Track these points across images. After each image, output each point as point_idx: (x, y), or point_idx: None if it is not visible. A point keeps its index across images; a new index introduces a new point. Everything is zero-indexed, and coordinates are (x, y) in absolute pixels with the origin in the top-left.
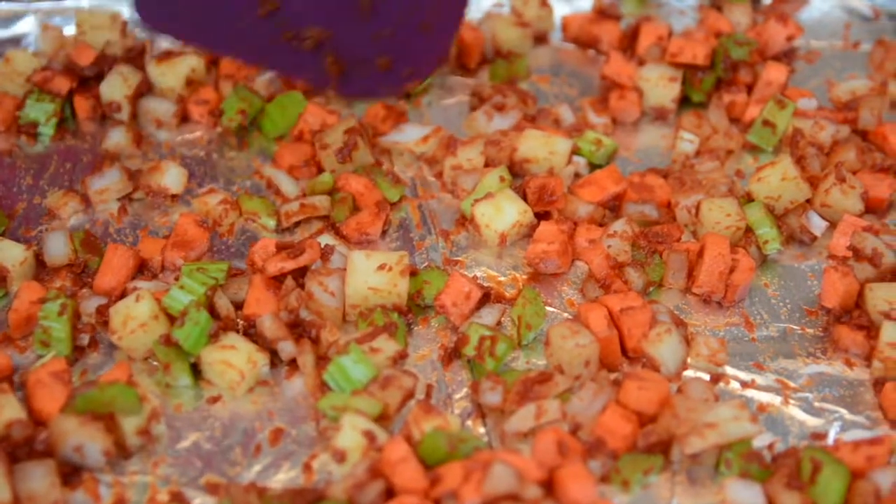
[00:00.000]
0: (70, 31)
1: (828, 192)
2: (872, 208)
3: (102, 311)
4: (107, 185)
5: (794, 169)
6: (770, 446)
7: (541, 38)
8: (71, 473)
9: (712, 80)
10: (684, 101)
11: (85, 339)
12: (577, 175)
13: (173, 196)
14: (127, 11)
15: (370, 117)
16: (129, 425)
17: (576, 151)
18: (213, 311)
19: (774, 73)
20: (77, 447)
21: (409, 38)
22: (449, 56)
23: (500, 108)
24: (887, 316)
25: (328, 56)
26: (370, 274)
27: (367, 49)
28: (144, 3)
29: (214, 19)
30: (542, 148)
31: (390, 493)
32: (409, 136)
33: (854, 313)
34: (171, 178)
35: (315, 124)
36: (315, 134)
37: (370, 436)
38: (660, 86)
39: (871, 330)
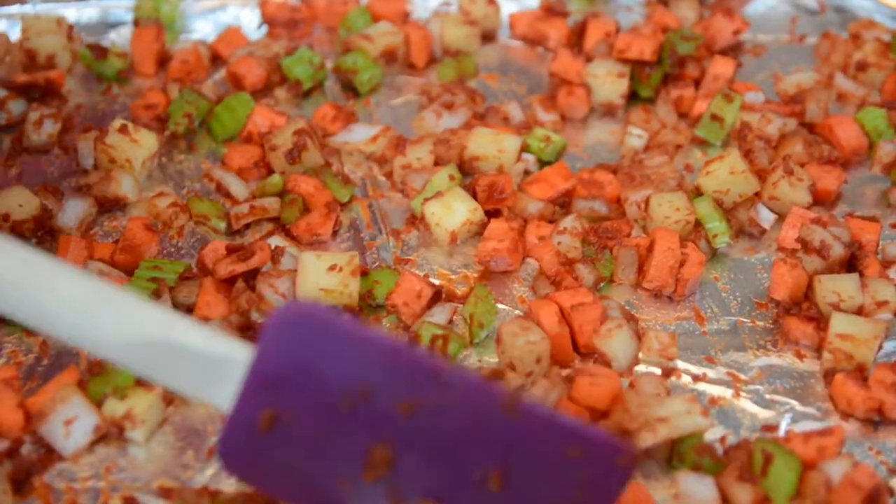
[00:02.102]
0: (16, 35)
1: (776, 185)
2: (820, 200)
3: None
4: (80, 215)
5: (742, 162)
6: (722, 439)
7: (488, 37)
8: (22, 481)
9: (660, 75)
10: (632, 97)
11: None
12: (526, 172)
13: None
14: (72, 15)
15: (319, 118)
16: (118, 409)
17: (525, 149)
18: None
19: (721, 68)
20: (69, 420)
21: None
22: None
23: (449, 107)
24: (836, 307)
25: None
26: (321, 275)
27: None
28: (228, 449)
29: (309, 477)
30: (491, 146)
31: None
32: (359, 136)
33: (803, 305)
34: (127, 187)
35: (264, 126)
36: (264, 135)
37: None
38: (608, 82)
39: (820, 322)
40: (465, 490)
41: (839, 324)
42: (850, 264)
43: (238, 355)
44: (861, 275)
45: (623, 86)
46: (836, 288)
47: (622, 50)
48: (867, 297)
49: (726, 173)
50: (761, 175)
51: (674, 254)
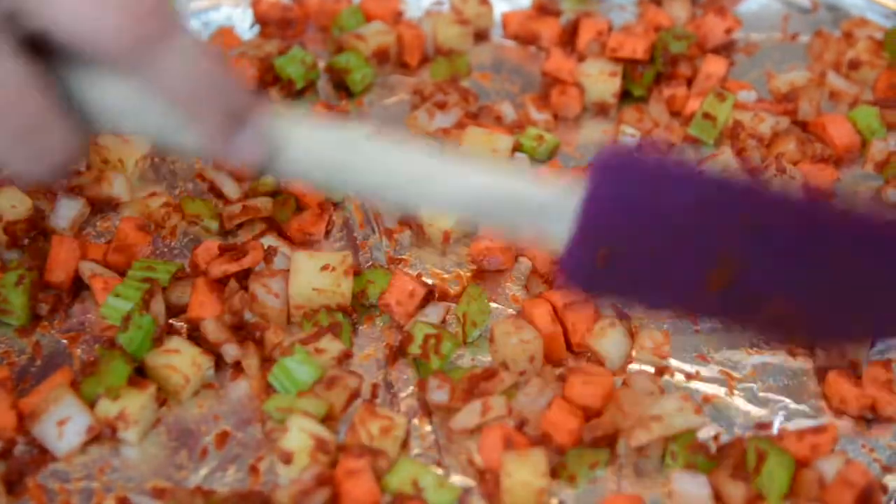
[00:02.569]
0: None
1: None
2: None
3: (57, 306)
4: (72, 216)
5: (735, 161)
6: (716, 437)
7: (481, 36)
8: (15, 482)
9: (652, 74)
10: (625, 96)
11: (44, 309)
12: None
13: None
14: None
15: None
16: (111, 409)
17: (517, 148)
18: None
19: (714, 66)
20: (62, 420)
21: (873, 302)
22: None
23: (442, 106)
24: None
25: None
26: (314, 274)
27: (834, 318)
28: (572, 269)
29: (650, 294)
30: (483, 145)
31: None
32: None
33: None
34: (119, 187)
35: None
36: None
37: (316, 437)
38: (600, 81)
39: None
40: (807, 292)
41: None
42: None
43: (567, 199)
44: None
45: (615, 85)
46: None
47: (615, 49)
48: None
49: None
50: (754, 174)
51: None
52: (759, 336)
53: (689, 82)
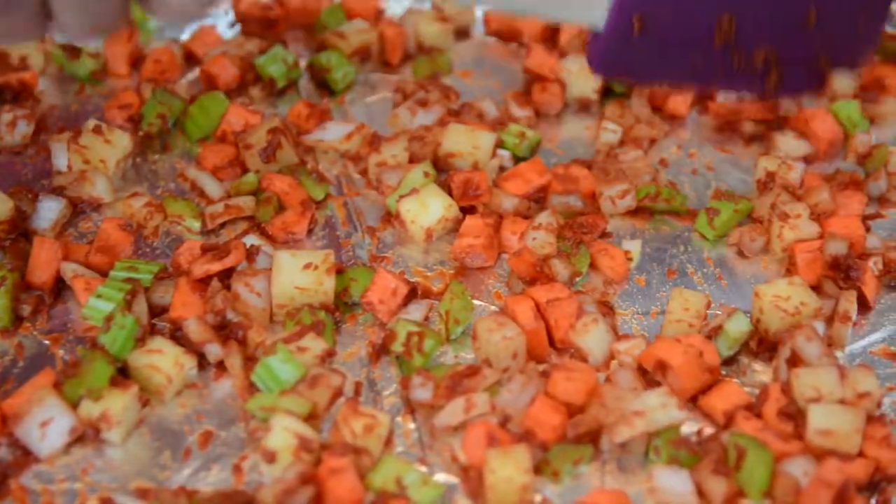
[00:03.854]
0: None
1: (781, 237)
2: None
3: (39, 307)
4: (54, 216)
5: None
6: (698, 432)
7: (462, 33)
8: None
9: None
10: (607, 92)
11: (26, 310)
12: (501, 168)
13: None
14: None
15: (294, 116)
16: (93, 410)
17: (499, 145)
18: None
19: None
20: (45, 421)
21: (847, 37)
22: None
23: (424, 104)
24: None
25: (771, 69)
26: (296, 273)
27: (806, 55)
28: (603, 58)
29: (670, 59)
30: (466, 142)
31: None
32: (333, 134)
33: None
34: (101, 188)
35: (238, 125)
36: (238, 134)
37: (299, 436)
38: (582, 77)
39: (798, 420)
40: (788, 32)
41: (818, 418)
42: (847, 276)
43: None
44: (859, 292)
45: (597, 81)
46: (815, 382)
47: None
48: (847, 390)
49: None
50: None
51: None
52: (750, 92)
53: None
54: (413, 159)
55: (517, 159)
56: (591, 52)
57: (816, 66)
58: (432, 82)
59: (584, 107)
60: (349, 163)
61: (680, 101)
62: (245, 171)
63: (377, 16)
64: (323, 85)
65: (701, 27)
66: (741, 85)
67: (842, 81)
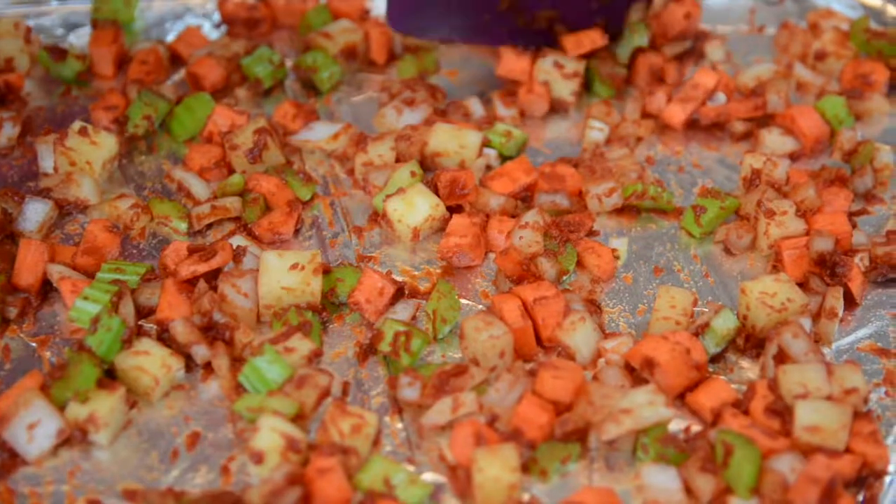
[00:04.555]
0: None
1: (767, 234)
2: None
3: (25, 309)
4: (40, 218)
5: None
6: (686, 429)
7: None
8: None
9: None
10: (593, 92)
11: (12, 312)
12: (488, 167)
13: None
14: (31, 17)
15: (280, 116)
16: (80, 412)
17: (486, 144)
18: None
19: (704, 78)
20: (32, 424)
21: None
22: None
23: (410, 103)
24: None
25: (555, 27)
26: (283, 274)
27: (587, 15)
28: (398, 14)
29: (459, 19)
30: (452, 141)
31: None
32: (320, 133)
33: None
34: (87, 189)
35: (224, 125)
36: (224, 135)
37: (287, 436)
38: (558, 80)
39: (785, 416)
40: None
41: (805, 414)
42: (833, 272)
43: None
44: (845, 288)
45: (575, 84)
46: (802, 379)
47: (574, 47)
48: (834, 386)
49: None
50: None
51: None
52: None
53: (662, 79)
54: (399, 158)
55: (504, 158)
56: (388, 8)
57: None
58: (418, 82)
59: (561, 108)
60: (336, 163)
61: (679, 110)
62: (231, 171)
63: (363, 15)
64: (309, 85)
65: None
66: (526, 40)
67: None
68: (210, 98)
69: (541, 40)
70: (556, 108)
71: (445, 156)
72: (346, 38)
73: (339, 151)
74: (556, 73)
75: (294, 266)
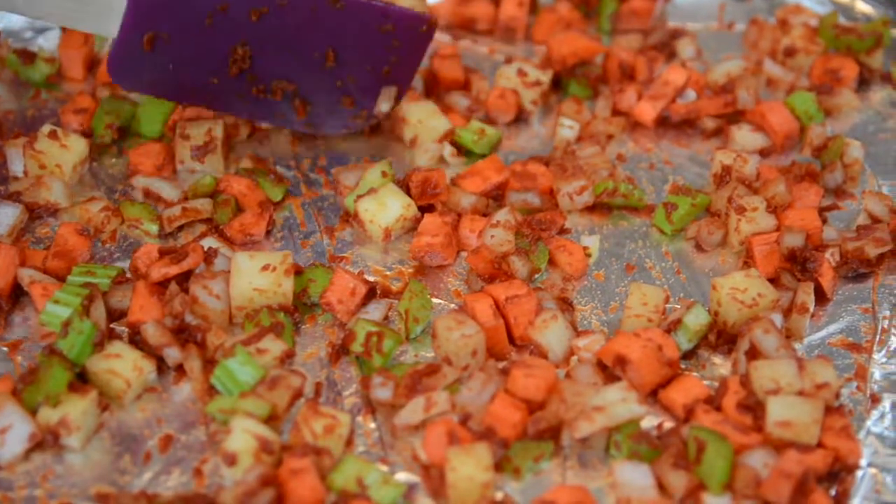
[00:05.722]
0: None
1: (738, 230)
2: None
3: None
4: (10, 222)
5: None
6: (658, 426)
7: None
8: None
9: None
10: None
11: None
12: (442, 159)
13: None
14: None
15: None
16: (52, 416)
17: (457, 140)
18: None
19: (674, 75)
20: (3, 428)
21: (371, 81)
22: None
23: None
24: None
25: (295, 101)
26: (254, 275)
27: (331, 93)
28: (118, 68)
29: (186, 80)
30: (420, 114)
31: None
32: None
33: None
34: (57, 193)
35: (192, 115)
36: (179, 122)
37: (260, 438)
38: (522, 87)
39: (757, 411)
40: (308, 68)
41: (777, 410)
42: (804, 268)
43: None
44: (816, 283)
45: (536, 92)
46: (774, 374)
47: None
48: (806, 381)
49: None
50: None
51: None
52: (276, 122)
53: (631, 77)
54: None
55: (475, 156)
56: (109, 59)
57: (346, 105)
58: None
59: (523, 117)
60: (306, 162)
61: (650, 109)
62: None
63: None
64: None
65: (216, 54)
66: (264, 114)
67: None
68: None
69: (289, 117)
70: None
71: (407, 124)
72: None
73: None
74: (517, 81)
75: (265, 267)
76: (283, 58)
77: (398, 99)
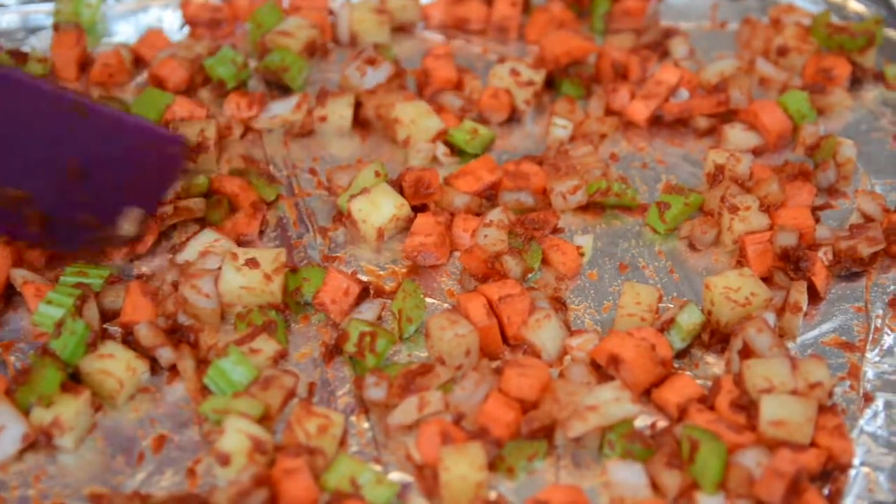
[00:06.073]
0: None
1: (731, 229)
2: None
3: None
4: None
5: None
6: (652, 425)
7: (405, 29)
8: None
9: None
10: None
11: None
12: (435, 159)
13: None
14: None
15: (232, 109)
16: (45, 416)
17: (450, 140)
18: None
19: (667, 75)
20: None
21: (115, 199)
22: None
23: (372, 62)
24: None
25: (30, 213)
26: (242, 273)
27: (70, 208)
28: None
29: None
30: (412, 113)
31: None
32: (280, 110)
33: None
34: None
35: (183, 114)
36: (172, 121)
37: (253, 437)
38: (514, 87)
39: (751, 410)
40: (47, 180)
41: (770, 409)
42: (797, 267)
43: None
44: (809, 282)
45: (529, 92)
46: (767, 373)
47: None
48: (799, 380)
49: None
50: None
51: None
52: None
53: (625, 77)
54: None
55: (468, 156)
56: None
57: (86, 223)
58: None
59: (516, 117)
60: (299, 162)
61: (643, 108)
62: None
63: (321, 11)
64: (275, 85)
65: None
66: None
67: None
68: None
69: (12, 226)
70: (514, 115)
71: (400, 124)
72: (307, 34)
73: (300, 123)
74: (510, 80)
75: (252, 264)
76: (16, 167)
77: (144, 223)
